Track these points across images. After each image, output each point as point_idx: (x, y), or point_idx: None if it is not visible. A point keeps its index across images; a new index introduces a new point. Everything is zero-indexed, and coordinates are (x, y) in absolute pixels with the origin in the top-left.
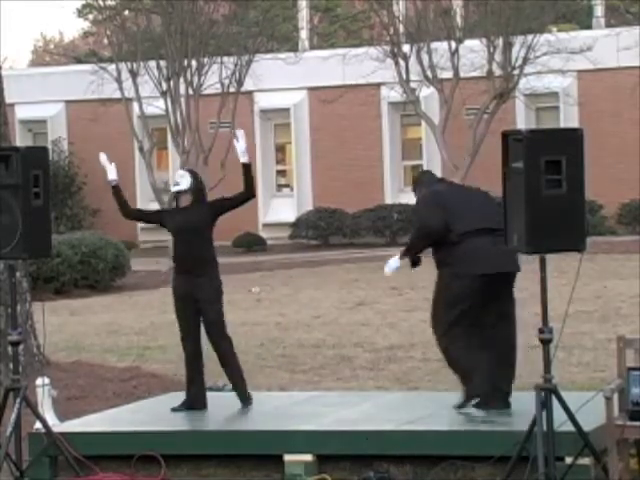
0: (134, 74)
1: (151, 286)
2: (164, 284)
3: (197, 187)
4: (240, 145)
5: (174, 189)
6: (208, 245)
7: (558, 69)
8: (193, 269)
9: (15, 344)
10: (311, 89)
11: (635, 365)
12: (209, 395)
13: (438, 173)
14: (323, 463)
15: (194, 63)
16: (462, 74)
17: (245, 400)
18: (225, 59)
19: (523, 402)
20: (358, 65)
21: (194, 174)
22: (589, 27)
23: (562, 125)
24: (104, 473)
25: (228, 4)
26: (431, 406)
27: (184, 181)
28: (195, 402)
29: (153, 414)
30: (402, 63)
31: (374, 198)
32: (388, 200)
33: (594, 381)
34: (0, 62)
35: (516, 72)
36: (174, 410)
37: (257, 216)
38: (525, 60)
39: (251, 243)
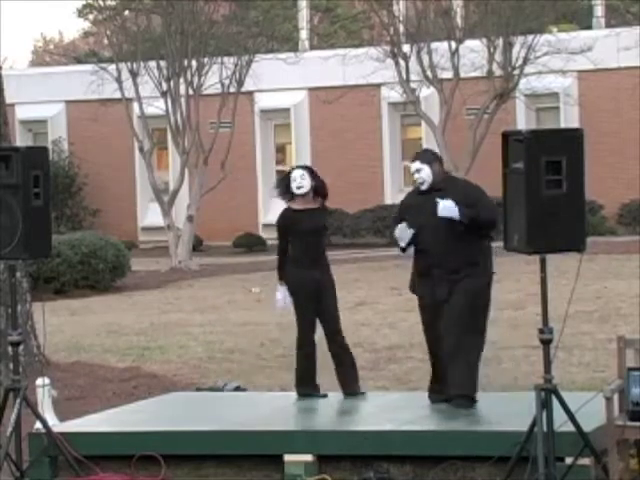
0: (134, 74)
1: (151, 286)
2: (164, 284)
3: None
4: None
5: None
6: None
7: (558, 69)
8: None
9: (15, 344)
10: (311, 89)
11: (635, 365)
12: (209, 395)
13: None
14: (323, 463)
15: (194, 63)
16: (462, 74)
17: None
18: (225, 59)
19: (523, 402)
20: (358, 65)
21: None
22: (589, 27)
23: (562, 125)
24: (104, 473)
25: (228, 4)
26: (431, 406)
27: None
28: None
29: (153, 414)
30: (402, 63)
31: (374, 198)
32: (388, 200)
33: (594, 381)
34: (0, 62)
35: (516, 72)
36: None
37: (257, 216)
38: (525, 60)
39: (251, 243)
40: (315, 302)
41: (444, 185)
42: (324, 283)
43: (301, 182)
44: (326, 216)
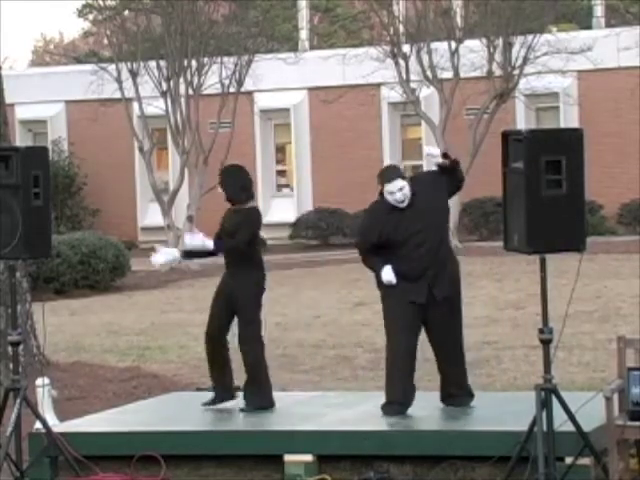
0: (134, 74)
1: (151, 286)
2: (164, 284)
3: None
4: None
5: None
6: None
7: (558, 69)
8: None
9: (15, 344)
10: (311, 89)
11: (635, 365)
12: (209, 395)
13: None
14: (323, 463)
15: (194, 63)
16: (462, 74)
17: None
18: (225, 59)
19: (523, 402)
20: (358, 65)
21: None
22: (589, 27)
23: (562, 125)
24: (104, 473)
25: (228, 4)
26: (431, 406)
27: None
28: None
29: (153, 414)
30: (402, 63)
31: (374, 198)
32: None
33: (594, 381)
34: (0, 62)
35: (516, 72)
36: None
37: None
38: (525, 60)
39: None
40: (227, 305)
41: (416, 188)
42: (235, 289)
43: None
44: (237, 218)
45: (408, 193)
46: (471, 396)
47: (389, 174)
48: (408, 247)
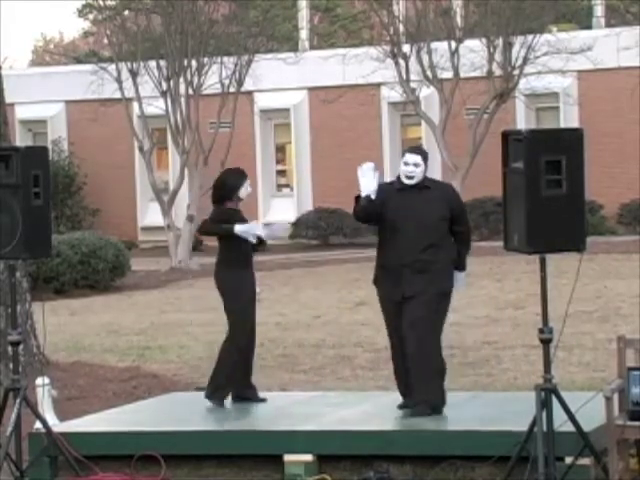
0: (134, 74)
1: (151, 286)
2: (164, 284)
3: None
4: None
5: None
6: None
7: (558, 69)
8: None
9: (15, 344)
10: (311, 89)
11: (635, 365)
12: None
13: (438, 173)
14: (323, 463)
15: (194, 63)
16: (462, 74)
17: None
18: (225, 59)
19: (523, 402)
20: (358, 65)
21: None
22: (589, 27)
23: (562, 125)
24: (104, 473)
25: (228, 4)
26: None
27: None
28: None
29: (153, 414)
30: (402, 63)
31: None
32: None
33: (594, 381)
34: (0, 62)
35: (516, 72)
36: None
37: (257, 216)
38: (525, 60)
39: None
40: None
41: (429, 184)
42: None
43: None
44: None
45: (419, 174)
46: (425, 406)
47: (415, 147)
48: (394, 232)
